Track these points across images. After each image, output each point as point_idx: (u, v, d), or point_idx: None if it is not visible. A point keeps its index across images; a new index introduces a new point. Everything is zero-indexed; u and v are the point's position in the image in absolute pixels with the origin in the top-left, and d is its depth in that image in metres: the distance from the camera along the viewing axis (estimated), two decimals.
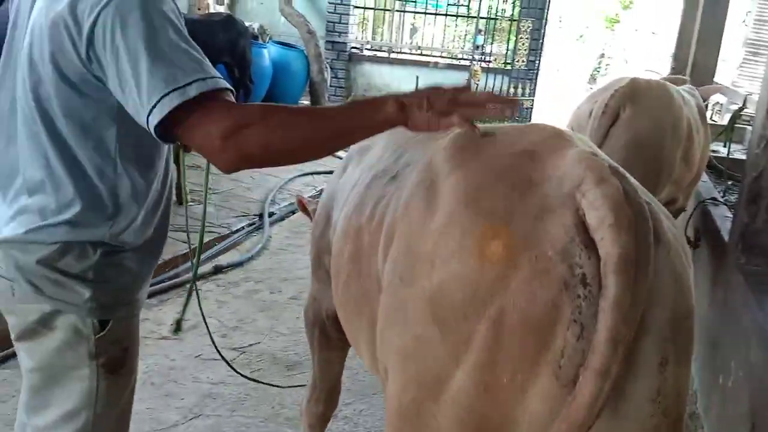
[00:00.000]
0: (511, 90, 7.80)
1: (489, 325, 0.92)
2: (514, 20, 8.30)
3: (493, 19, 8.64)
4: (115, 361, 1.26)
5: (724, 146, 4.34)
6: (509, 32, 8.14)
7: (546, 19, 8.13)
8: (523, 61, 7.86)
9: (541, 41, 8.07)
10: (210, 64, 1.10)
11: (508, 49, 8.04)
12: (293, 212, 4.81)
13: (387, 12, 9.83)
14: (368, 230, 1.26)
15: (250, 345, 2.98)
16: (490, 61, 7.92)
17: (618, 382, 0.88)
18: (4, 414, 2.21)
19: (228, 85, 1.10)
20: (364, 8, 9.34)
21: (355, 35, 9.44)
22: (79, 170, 1.16)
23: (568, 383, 0.89)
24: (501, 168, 1.05)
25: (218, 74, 1.10)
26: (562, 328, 0.89)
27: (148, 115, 1.05)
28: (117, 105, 1.13)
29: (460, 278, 0.95)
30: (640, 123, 2.59)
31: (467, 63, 8.26)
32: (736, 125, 4.45)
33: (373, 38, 9.88)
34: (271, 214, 4.72)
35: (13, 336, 1.28)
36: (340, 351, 1.86)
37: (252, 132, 1.05)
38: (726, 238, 2.64)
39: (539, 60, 8.03)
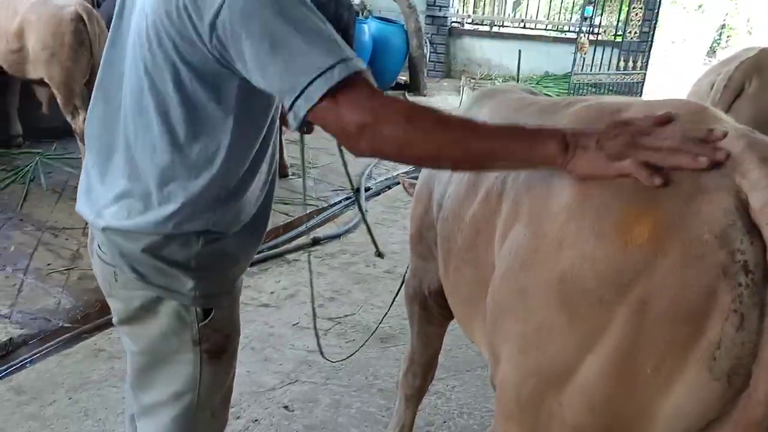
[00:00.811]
0: (621, 63, 7.35)
1: (630, 311, 0.85)
2: None
3: None
4: (218, 347, 1.27)
5: None
6: (621, 2, 7.67)
7: None
8: (635, 33, 7.28)
9: (655, 11, 7.45)
10: (343, 40, 1.01)
11: (618, 20, 7.41)
12: (389, 187, 4.83)
13: None
14: (483, 213, 1.19)
15: (346, 316, 3.03)
16: (598, 33, 7.34)
17: None
18: (121, 369, 2.37)
19: (365, 66, 1.01)
20: None
21: (456, 9, 9.21)
22: (188, 159, 1.12)
23: (722, 377, 0.83)
24: None
25: (354, 54, 1.00)
26: (720, 318, 0.81)
27: (292, 105, 0.99)
28: (237, 93, 1.09)
29: (597, 260, 0.88)
30: (766, 98, 2.37)
31: (574, 36, 7.88)
32: None
33: (474, 12, 9.63)
34: (367, 189, 4.76)
35: (115, 320, 1.29)
36: (439, 326, 1.85)
37: (392, 130, 0.98)
38: None
39: (653, 31, 7.39)
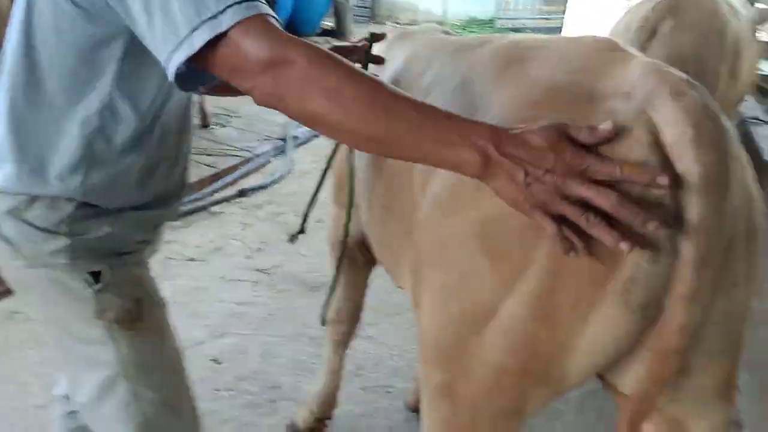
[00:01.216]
0: (536, 7, 7.41)
1: (550, 252, 0.85)
2: None
3: None
4: (128, 314, 1.12)
5: None
6: None
7: None
8: None
9: None
10: None
11: None
12: (317, 136, 4.75)
13: None
14: (403, 162, 1.11)
15: (274, 266, 2.99)
16: None
17: None
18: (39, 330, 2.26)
19: (270, 11, 0.88)
20: None
21: None
22: (50, 111, 1.01)
23: (637, 309, 0.85)
24: (556, 83, 0.92)
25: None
26: (635, 254, 0.82)
27: (171, 55, 0.87)
28: (127, 38, 0.97)
29: None
30: (681, 37, 2.43)
31: None
32: None
33: None
34: (294, 138, 4.66)
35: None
36: (364, 273, 1.84)
37: (296, 75, 0.84)
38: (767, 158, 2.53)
39: None
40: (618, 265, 0.83)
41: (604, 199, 0.78)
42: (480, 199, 0.91)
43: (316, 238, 3.21)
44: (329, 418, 2.01)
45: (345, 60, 0.87)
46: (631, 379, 0.93)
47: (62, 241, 1.05)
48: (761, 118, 3.17)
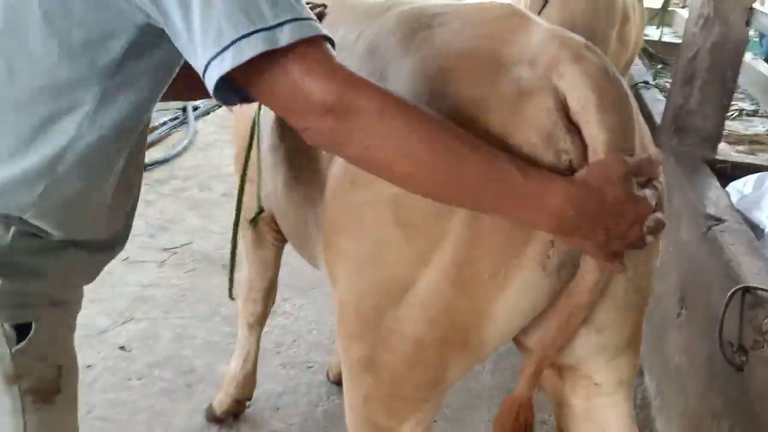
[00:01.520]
0: None
1: (465, 222, 0.86)
2: None
3: None
4: (47, 384, 0.92)
5: (657, 28, 4.34)
6: None
7: None
8: None
9: None
10: None
11: None
12: (219, 105, 4.56)
13: None
14: None
15: (182, 245, 2.87)
16: None
17: None
18: None
19: (328, 33, 0.76)
20: None
21: None
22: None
23: (554, 272, 0.88)
24: (462, 51, 0.92)
25: (311, 14, 0.76)
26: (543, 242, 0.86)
27: (209, 63, 0.72)
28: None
29: None
30: (573, 3, 2.51)
31: None
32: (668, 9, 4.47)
33: None
34: (195, 108, 4.45)
35: None
36: (275, 251, 1.78)
37: (362, 125, 0.74)
38: (658, 120, 2.66)
39: None
40: (536, 231, 0.85)
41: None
42: None
43: (225, 213, 3.13)
44: (249, 399, 1.96)
45: (416, 105, 0.79)
46: (539, 335, 0.97)
47: None
48: (650, 81, 3.33)
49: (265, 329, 1.96)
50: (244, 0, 0.71)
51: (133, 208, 1.04)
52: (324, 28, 0.76)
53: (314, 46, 0.73)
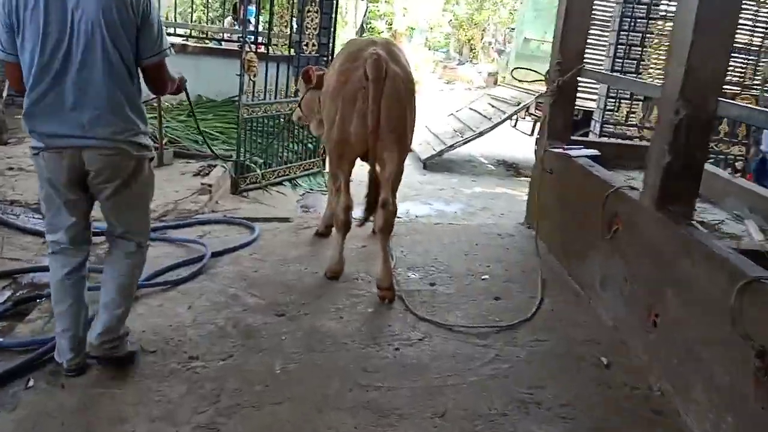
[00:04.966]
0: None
1: (340, 100, 3.36)
2: None
3: None
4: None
5: None
6: (291, 5, 6.25)
7: None
8: (312, 45, 6.32)
9: (332, 17, 6.64)
10: None
11: (291, 29, 6.28)
12: None
13: None
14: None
15: None
16: (269, 45, 6.01)
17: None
18: None
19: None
20: None
21: None
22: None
23: (362, 117, 3.27)
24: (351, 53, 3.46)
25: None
26: (360, 99, 3.27)
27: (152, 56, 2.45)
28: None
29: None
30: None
31: (230, 47, 7.40)
32: None
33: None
34: None
35: None
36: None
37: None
38: None
39: (332, 42, 6.77)
40: (356, 103, 3.35)
41: None
42: (337, 80, 3.53)
43: None
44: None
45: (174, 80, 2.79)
46: None
47: None
48: None
49: None
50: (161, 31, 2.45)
51: None
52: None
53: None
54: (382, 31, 20.83)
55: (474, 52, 24.28)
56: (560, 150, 4.25)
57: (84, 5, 2.22)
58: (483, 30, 24.03)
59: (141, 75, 2.46)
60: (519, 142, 9.51)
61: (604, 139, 5.50)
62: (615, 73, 6.92)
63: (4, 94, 6.24)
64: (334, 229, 3.82)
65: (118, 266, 2.60)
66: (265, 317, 3.22)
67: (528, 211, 5.00)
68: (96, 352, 2.60)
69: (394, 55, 3.41)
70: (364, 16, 19.78)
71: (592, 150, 4.19)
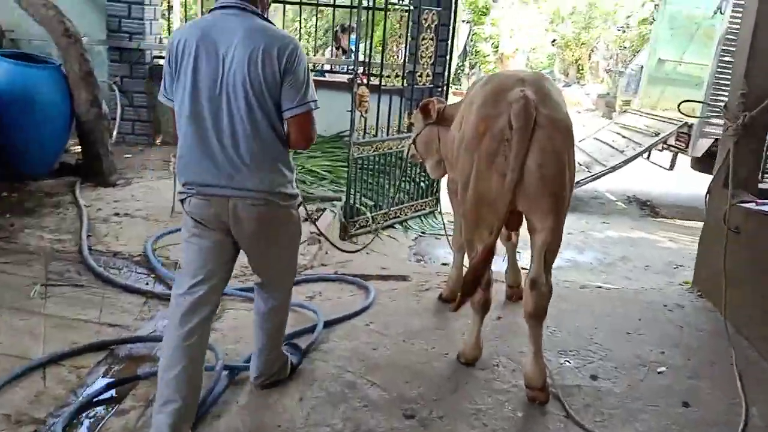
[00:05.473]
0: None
1: (478, 154, 2.67)
2: None
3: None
4: None
5: None
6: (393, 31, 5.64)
7: None
8: (426, 75, 5.66)
9: (449, 43, 6.19)
10: None
11: (406, 58, 5.78)
12: None
13: None
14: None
15: None
16: (380, 76, 5.43)
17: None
18: None
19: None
20: None
21: (158, 36, 6.58)
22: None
23: (502, 175, 2.57)
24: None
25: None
26: (501, 155, 2.58)
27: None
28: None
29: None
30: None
31: (339, 79, 6.55)
32: None
33: None
34: None
35: None
36: None
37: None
38: None
39: (448, 72, 6.40)
40: (496, 157, 2.62)
41: None
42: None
43: None
44: None
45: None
46: None
47: None
48: None
49: None
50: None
51: None
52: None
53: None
54: (488, 54, 20.11)
55: (581, 73, 23.10)
56: (754, 205, 3.36)
57: (234, 56, 2.23)
58: (591, 50, 22.82)
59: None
60: (652, 176, 8.48)
61: None
62: None
63: (114, 133, 6.01)
64: (469, 306, 3.05)
65: (263, 315, 2.69)
66: (390, 418, 2.60)
67: (697, 274, 4.11)
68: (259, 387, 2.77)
69: (547, 94, 2.69)
70: (468, 38, 19.20)
71: None
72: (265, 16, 2.40)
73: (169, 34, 6.75)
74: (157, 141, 6.78)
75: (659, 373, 3.04)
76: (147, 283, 3.85)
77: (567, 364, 3.11)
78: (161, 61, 7.18)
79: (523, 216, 2.77)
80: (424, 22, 5.45)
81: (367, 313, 3.57)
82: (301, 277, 4.00)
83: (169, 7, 7.30)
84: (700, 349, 3.28)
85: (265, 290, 2.64)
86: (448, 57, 6.11)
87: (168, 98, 2.39)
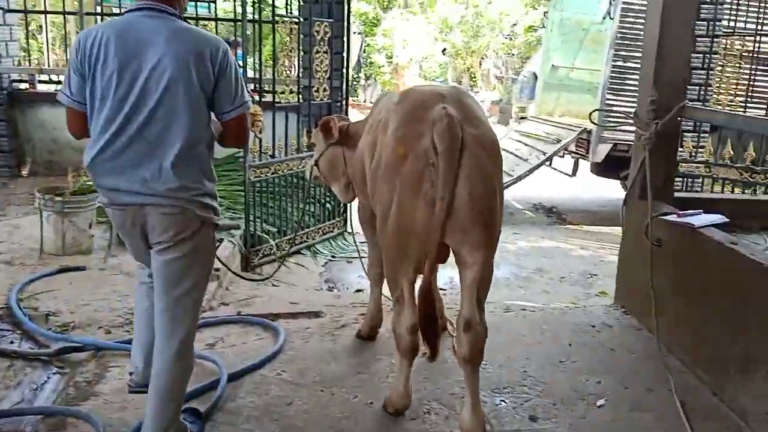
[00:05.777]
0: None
1: (399, 181, 2.38)
2: None
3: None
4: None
5: None
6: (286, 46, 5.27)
7: None
8: (323, 89, 5.40)
9: (344, 55, 5.88)
10: None
11: (299, 72, 5.27)
12: None
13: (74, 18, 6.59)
14: None
15: None
16: (273, 92, 5.18)
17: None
18: None
19: None
20: (40, 12, 6.56)
21: (17, 59, 6.34)
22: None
23: (430, 204, 2.27)
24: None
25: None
26: (428, 181, 2.30)
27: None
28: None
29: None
30: None
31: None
32: None
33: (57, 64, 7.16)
34: None
35: None
36: None
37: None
38: None
39: (346, 86, 6.32)
40: (422, 185, 2.33)
41: None
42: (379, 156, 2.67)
43: None
44: None
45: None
46: None
47: None
48: None
49: None
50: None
51: None
52: None
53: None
54: (383, 65, 20.09)
55: (474, 81, 23.63)
56: (676, 218, 3.26)
57: (160, 59, 2.12)
58: (482, 57, 23.40)
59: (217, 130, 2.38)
60: (555, 182, 8.57)
61: (716, 195, 4.48)
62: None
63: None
64: (396, 354, 2.71)
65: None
66: None
67: (619, 290, 4.00)
68: None
69: (470, 110, 2.44)
70: (361, 50, 19.09)
71: (716, 216, 3.20)
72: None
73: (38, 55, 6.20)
74: (24, 172, 6.05)
75: (599, 407, 2.83)
76: (12, 342, 3.32)
77: (503, 404, 2.84)
78: (22, 85, 6.43)
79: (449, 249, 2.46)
80: (316, 34, 5.17)
81: (278, 359, 3.19)
82: (200, 321, 3.51)
83: (38, 27, 6.74)
84: (636, 375, 3.11)
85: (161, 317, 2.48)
86: (344, 70, 5.83)
87: (73, 99, 2.22)
